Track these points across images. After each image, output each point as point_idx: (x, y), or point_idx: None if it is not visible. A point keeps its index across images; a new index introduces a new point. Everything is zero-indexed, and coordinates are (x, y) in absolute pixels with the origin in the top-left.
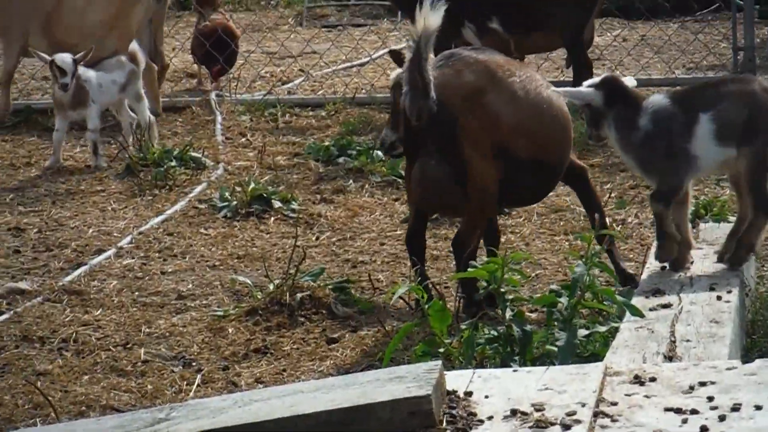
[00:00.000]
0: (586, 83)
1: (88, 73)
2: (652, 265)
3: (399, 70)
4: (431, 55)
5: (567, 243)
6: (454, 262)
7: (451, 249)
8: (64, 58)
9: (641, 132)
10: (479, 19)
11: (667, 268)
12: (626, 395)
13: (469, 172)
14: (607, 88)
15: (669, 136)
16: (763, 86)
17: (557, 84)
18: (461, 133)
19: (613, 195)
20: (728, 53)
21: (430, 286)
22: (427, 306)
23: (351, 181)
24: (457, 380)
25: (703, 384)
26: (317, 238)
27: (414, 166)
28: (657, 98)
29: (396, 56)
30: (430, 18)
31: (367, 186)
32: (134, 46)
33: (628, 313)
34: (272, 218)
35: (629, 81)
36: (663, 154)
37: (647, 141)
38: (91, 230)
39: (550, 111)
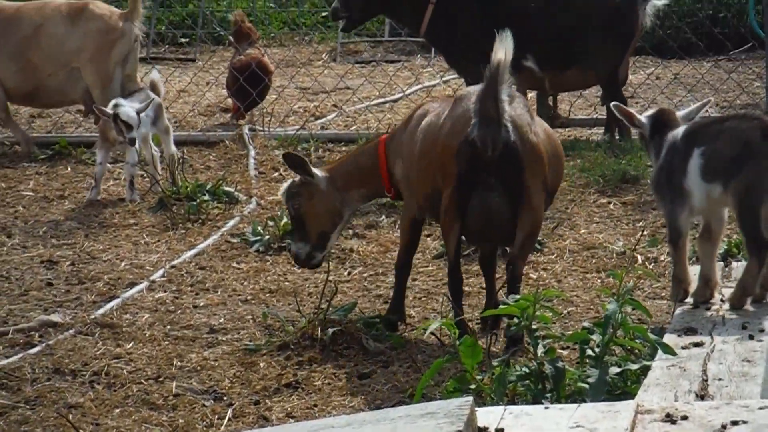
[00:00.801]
0: (645, 114)
1: (128, 107)
2: (685, 303)
3: (288, 182)
4: (504, 87)
5: (599, 280)
6: (484, 299)
7: (508, 283)
8: (129, 113)
9: (656, 165)
10: (515, 57)
11: (694, 304)
12: None
13: (529, 203)
14: (654, 120)
15: (670, 170)
16: (764, 124)
17: (585, 122)
18: (527, 166)
19: (645, 233)
20: (761, 92)
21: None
22: (458, 342)
23: (383, 216)
24: (488, 417)
25: (735, 423)
26: (349, 273)
27: (471, 199)
28: (675, 132)
29: (290, 159)
30: (505, 49)
31: (398, 221)
32: (155, 75)
33: (660, 351)
34: None
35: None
36: (665, 189)
37: (656, 174)
38: (123, 263)
39: (558, 144)
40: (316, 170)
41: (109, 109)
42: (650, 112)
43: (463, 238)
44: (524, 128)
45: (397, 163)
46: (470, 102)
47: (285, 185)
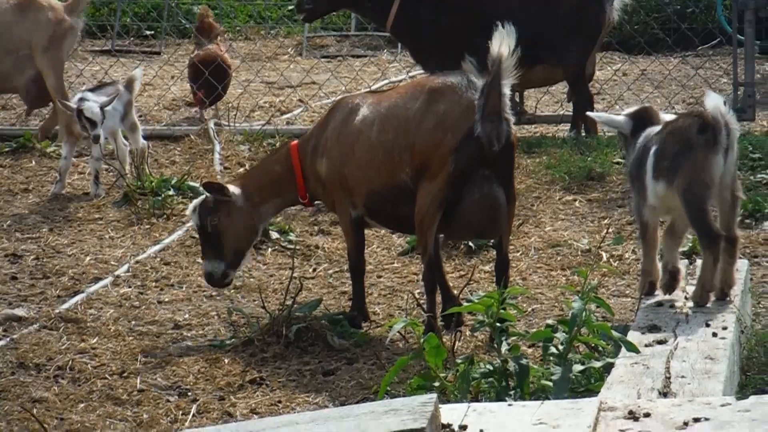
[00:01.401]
0: (624, 111)
1: (93, 102)
2: (649, 301)
3: (198, 199)
4: (507, 81)
5: (564, 278)
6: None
7: (499, 271)
8: (93, 108)
9: (630, 159)
10: (481, 53)
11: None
12: (620, 431)
13: (513, 193)
14: (636, 118)
15: (638, 167)
16: (703, 118)
17: (552, 118)
18: (514, 157)
19: (611, 230)
20: (728, 89)
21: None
22: (423, 339)
23: None
24: (452, 414)
25: (697, 420)
26: (314, 270)
27: (470, 193)
28: (649, 130)
29: (210, 187)
30: (507, 43)
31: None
32: (137, 73)
33: (623, 349)
34: (269, 249)
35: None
36: (634, 184)
37: (629, 168)
38: (88, 258)
39: None
40: (230, 187)
41: (73, 104)
42: (631, 110)
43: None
44: (511, 120)
45: (321, 165)
46: (457, 96)
47: (196, 202)
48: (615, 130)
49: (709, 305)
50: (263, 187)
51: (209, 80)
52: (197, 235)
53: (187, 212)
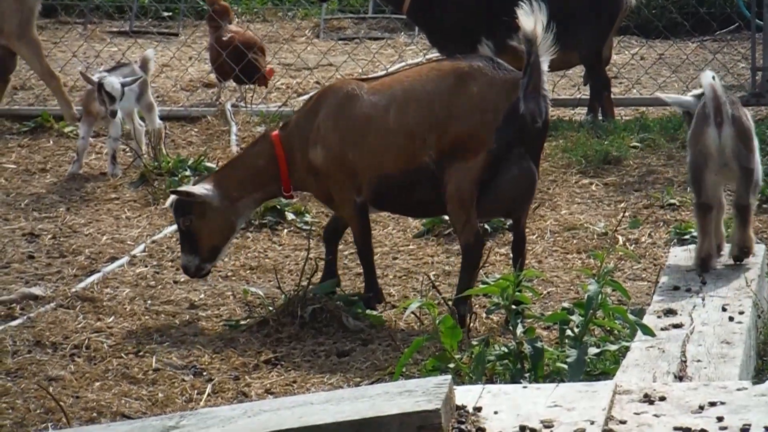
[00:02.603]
0: (691, 92)
1: (113, 80)
2: (665, 284)
3: (174, 197)
4: (544, 58)
5: (579, 261)
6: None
7: (516, 251)
8: (113, 84)
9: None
10: (497, 36)
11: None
12: (635, 414)
13: (538, 171)
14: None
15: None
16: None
17: (568, 102)
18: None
19: (627, 214)
20: (746, 73)
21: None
22: (438, 321)
23: None
24: (466, 395)
25: (713, 404)
26: None
27: (508, 170)
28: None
29: (179, 194)
30: (538, 19)
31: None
32: (149, 53)
33: (639, 332)
34: (285, 230)
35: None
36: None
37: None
38: (104, 238)
39: None
40: (204, 185)
41: (95, 78)
42: (698, 91)
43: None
44: (549, 97)
45: (314, 153)
46: (488, 77)
47: (172, 199)
48: (680, 110)
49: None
50: (244, 181)
51: (252, 61)
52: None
53: (167, 205)
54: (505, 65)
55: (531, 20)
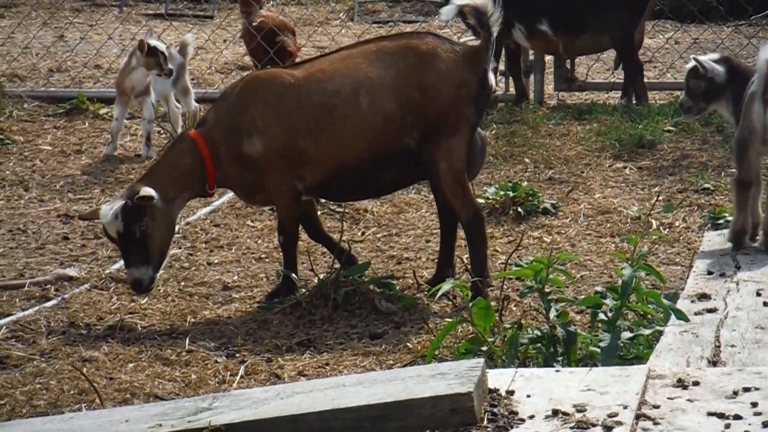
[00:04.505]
0: (707, 58)
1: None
2: (699, 269)
3: (116, 205)
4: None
5: (613, 245)
6: (499, 262)
7: (470, 227)
8: (161, 46)
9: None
10: (529, 21)
11: (730, 244)
12: (669, 398)
13: None
14: (727, 66)
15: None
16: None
17: (602, 86)
18: None
19: (661, 198)
20: None
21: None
22: (471, 304)
23: None
24: (499, 379)
25: (747, 390)
26: (363, 234)
27: (474, 141)
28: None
29: (142, 199)
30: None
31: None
32: (188, 37)
33: (672, 317)
34: (319, 213)
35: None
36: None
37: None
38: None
39: None
40: (145, 188)
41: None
42: (714, 57)
43: None
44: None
45: (249, 145)
46: (446, 52)
47: (115, 208)
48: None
49: (760, 276)
50: (175, 182)
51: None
52: (113, 243)
53: (104, 218)
54: (449, 39)
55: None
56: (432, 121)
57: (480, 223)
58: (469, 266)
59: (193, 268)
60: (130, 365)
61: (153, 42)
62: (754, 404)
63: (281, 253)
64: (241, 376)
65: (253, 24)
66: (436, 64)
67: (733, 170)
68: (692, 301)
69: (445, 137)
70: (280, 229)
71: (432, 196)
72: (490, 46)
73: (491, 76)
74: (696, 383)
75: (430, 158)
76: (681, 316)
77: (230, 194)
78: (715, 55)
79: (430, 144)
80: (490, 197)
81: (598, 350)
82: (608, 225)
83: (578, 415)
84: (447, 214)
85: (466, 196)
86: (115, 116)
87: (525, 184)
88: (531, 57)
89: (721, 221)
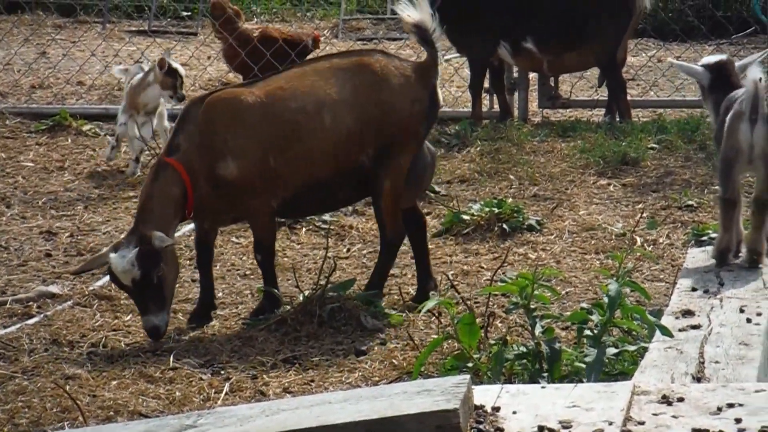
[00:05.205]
0: (702, 61)
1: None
2: (683, 285)
3: (131, 253)
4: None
5: (598, 262)
6: (484, 278)
7: (391, 247)
8: (180, 68)
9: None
10: (513, 38)
11: (714, 260)
12: (654, 414)
13: None
14: (716, 71)
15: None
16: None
17: (586, 103)
18: None
19: (645, 215)
20: (763, 77)
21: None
22: (456, 320)
23: None
24: (485, 395)
25: (731, 406)
26: (348, 250)
27: (423, 157)
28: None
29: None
30: (423, 10)
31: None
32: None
33: (657, 333)
34: (304, 229)
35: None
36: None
37: (718, 134)
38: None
39: None
40: (160, 235)
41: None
42: (710, 60)
43: None
44: None
45: (224, 168)
46: (396, 68)
47: (129, 256)
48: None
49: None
50: (171, 214)
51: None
52: (125, 291)
53: (118, 267)
54: (397, 56)
55: (415, 11)
56: (387, 138)
57: (399, 244)
58: (454, 283)
59: (178, 284)
60: (114, 383)
61: (174, 64)
62: (738, 420)
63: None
64: (226, 393)
65: (254, 35)
66: (390, 80)
67: (716, 188)
68: (676, 318)
69: (395, 154)
70: (257, 247)
71: None
72: (437, 61)
73: (440, 91)
74: (680, 399)
75: (378, 175)
76: (665, 332)
77: None
78: (717, 57)
79: (380, 160)
80: (475, 214)
81: (584, 366)
82: (593, 242)
83: (564, 431)
84: (413, 227)
85: (397, 215)
86: (122, 121)
87: (510, 200)
88: (515, 74)
89: (704, 238)
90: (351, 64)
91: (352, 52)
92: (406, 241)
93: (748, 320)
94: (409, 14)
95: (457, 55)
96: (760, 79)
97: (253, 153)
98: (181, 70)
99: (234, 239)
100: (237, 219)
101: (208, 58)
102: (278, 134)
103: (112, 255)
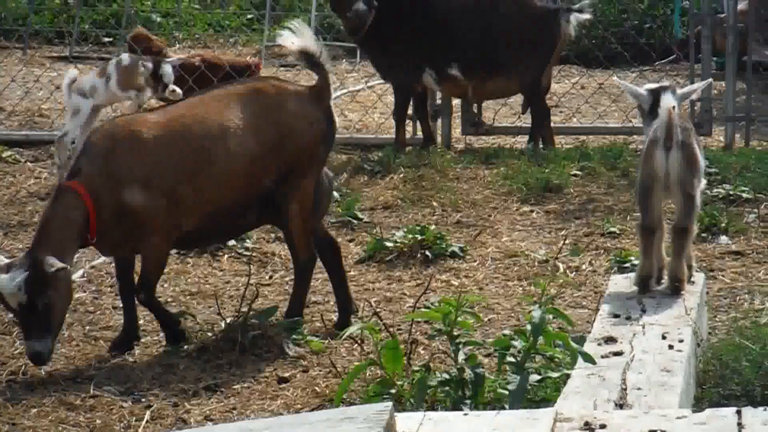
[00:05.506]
0: (646, 86)
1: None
2: (605, 312)
3: (20, 277)
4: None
5: (520, 288)
6: (407, 305)
7: (304, 269)
8: (167, 69)
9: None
10: (439, 65)
11: (636, 287)
12: None
13: None
14: (657, 95)
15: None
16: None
17: (509, 130)
18: None
19: (567, 242)
20: (685, 104)
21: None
22: (379, 347)
23: None
24: (407, 422)
25: None
26: (270, 277)
27: (321, 181)
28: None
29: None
30: (306, 35)
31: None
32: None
33: (579, 360)
34: (226, 256)
35: (668, 100)
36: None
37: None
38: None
39: None
40: (53, 260)
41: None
42: (653, 86)
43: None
44: None
45: (129, 195)
46: (293, 93)
47: (18, 280)
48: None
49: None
50: (70, 239)
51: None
52: (12, 313)
53: (4, 290)
54: (289, 81)
55: (298, 38)
56: (289, 161)
57: (312, 266)
58: (377, 310)
59: (99, 312)
60: (34, 410)
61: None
62: None
63: (147, 309)
64: (147, 421)
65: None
66: (287, 103)
67: (638, 214)
68: (599, 344)
69: (298, 177)
70: (144, 283)
71: (339, 240)
72: (329, 83)
73: (335, 113)
74: (603, 426)
75: (284, 198)
76: (588, 359)
77: None
78: (660, 84)
79: (285, 184)
80: (398, 241)
81: (506, 393)
82: (516, 268)
83: None
84: (327, 253)
85: (308, 237)
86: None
87: (433, 227)
88: (438, 101)
89: (627, 264)
90: (247, 89)
91: (245, 79)
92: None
93: (670, 347)
94: (293, 41)
95: (381, 81)
96: (674, 107)
97: (161, 180)
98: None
99: None
100: (135, 250)
101: None
102: (187, 160)
103: (2, 276)
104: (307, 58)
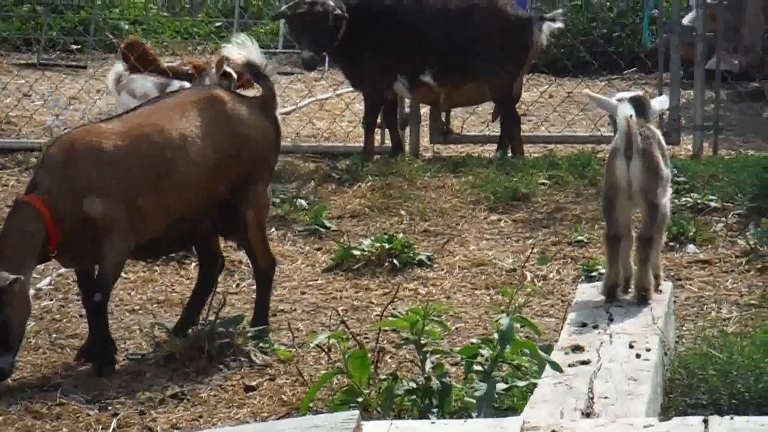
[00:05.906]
0: (617, 96)
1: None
2: (572, 321)
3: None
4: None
5: (488, 297)
6: (374, 313)
7: (265, 275)
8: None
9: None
10: (411, 73)
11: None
12: None
13: None
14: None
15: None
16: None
17: (478, 138)
18: None
19: (535, 250)
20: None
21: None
22: (347, 355)
23: (273, 229)
24: (374, 431)
25: None
26: (237, 285)
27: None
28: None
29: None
30: (251, 47)
31: (289, 234)
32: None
33: (547, 368)
34: (193, 264)
35: (659, 103)
36: None
37: None
38: None
39: None
40: (4, 274)
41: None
42: (626, 95)
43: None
44: None
45: (90, 205)
46: (241, 101)
47: None
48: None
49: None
50: (26, 253)
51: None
52: None
53: None
54: (235, 92)
55: (243, 50)
56: (244, 168)
57: (273, 271)
58: (344, 318)
59: (65, 320)
60: None
61: (228, 68)
62: None
63: (94, 317)
64: (114, 430)
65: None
66: (239, 112)
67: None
68: (566, 353)
69: (253, 185)
70: (100, 283)
71: (307, 249)
72: (274, 93)
73: (280, 122)
74: None
75: (240, 206)
76: (555, 367)
77: None
78: (632, 93)
79: (240, 192)
80: (366, 249)
81: (474, 401)
82: (483, 277)
83: None
84: (210, 264)
85: (266, 243)
86: None
87: (401, 236)
88: (407, 109)
89: (594, 273)
90: (200, 98)
91: (191, 90)
92: (295, 275)
93: (638, 355)
94: (239, 53)
95: (349, 89)
96: (631, 115)
97: (122, 190)
98: (234, 74)
99: (123, 274)
100: (97, 261)
101: (98, 91)
102: (148, 169)
103: None
104: (252, 70)
